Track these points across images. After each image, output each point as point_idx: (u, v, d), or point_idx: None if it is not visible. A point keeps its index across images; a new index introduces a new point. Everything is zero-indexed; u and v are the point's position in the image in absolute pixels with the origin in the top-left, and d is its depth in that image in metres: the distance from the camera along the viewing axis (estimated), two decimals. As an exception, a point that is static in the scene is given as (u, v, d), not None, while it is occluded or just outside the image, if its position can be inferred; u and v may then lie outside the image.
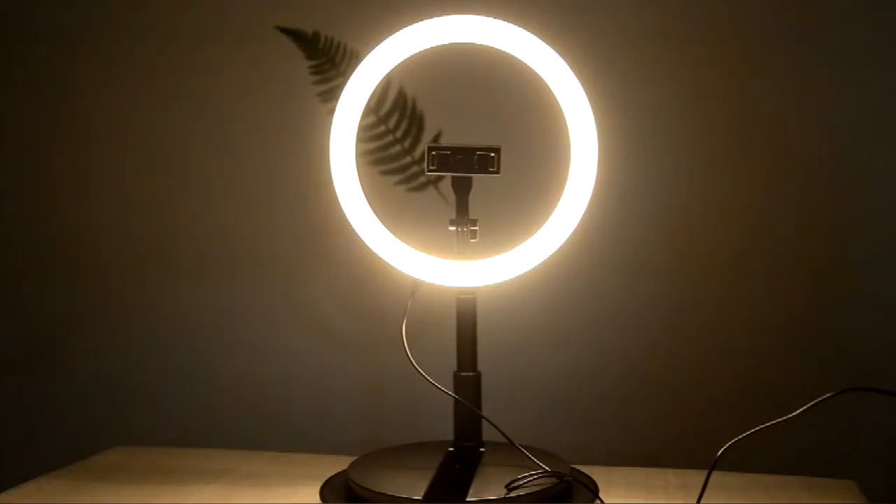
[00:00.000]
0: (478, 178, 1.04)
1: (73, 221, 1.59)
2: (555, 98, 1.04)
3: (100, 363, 1.59)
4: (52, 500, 1.09)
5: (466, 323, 1.07)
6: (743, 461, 1.30)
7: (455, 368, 1.08)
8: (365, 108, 1.07)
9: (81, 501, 1.08)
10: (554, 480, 1.01)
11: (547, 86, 1.04)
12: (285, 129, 1.48)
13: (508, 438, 1.05)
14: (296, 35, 1.35)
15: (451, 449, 1.08)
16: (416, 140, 1.36)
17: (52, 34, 1.58)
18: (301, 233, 1.50)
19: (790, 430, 1.41)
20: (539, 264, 1.05)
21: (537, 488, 0.99)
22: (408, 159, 1.36)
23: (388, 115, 1.36)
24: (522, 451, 1.04)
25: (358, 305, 1.49)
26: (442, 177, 1.34)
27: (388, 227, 1.06)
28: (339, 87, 1.08)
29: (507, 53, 1.04)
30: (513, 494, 0.98)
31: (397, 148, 1.36)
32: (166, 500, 1.08)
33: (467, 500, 0.97)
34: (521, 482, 0.99)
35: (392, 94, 1.35)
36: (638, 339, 1.43)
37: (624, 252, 1.42)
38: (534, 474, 1.00)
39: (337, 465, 1.13)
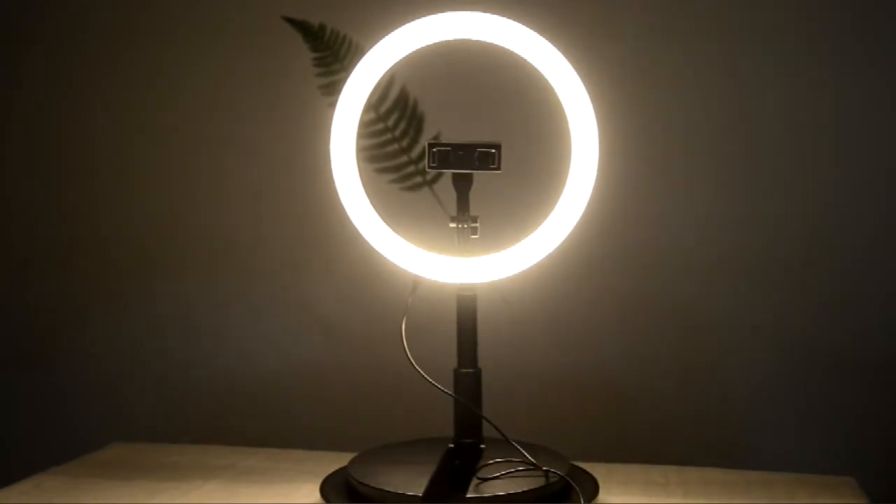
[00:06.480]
0: (478, 175, 1.04)
1: (76, 218, 1.59)
2: (556, 95, 1.04)
3: (100, 359, 1.59)
4: (52, 497, 1.09)
5: (467, 319, 1.07)
6: (744, 458, 1.30)
7: (455, 365, 1.08)
8: (365, 104, 1.06)
9: (82, 498, 1.08)
10: (543, 480, 1.01)
11: (548, 83, 1.04)
12: (286, 123, 1.48)
13: (504, 436, 1.05)
14: (302, 26, 1.35)
15: (452, 445, 1.08)
16: (414, 140, 1.36)
17: (56, 28, 1.58)
18: (301, 229, 1.50)
19: (791, 428, 1.41)
20: (540, 261, 1.05)
21: (535, 485, 0.99)
22: (404, 158, 1.36)
23: (388, 113, 1.36)
24: (518, 449, 1.04)
25: (358, 301, 1.49)
26: (437, 178, 1.34)
27: (388, 224, 1.06)
28: (342, 81, 1.08)
29: (509, 50, 1.04)
30: (513, 491, 0.98)
31: (394, 146, 1.36)
32: (167, 496, 1.08)
33: (467, 496, 0.98)
34: (493, 477, 1.00)
35: (394, 93, 1.35)
36: (638, 335, 1.43)
37: (624, 249, 1.42)
38: (513, 471, 1.01)
39: (337, 461, 1.13)
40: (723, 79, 1.40)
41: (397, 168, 1.36)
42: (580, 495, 1.01)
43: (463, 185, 1.04)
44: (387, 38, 1.05)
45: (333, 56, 1.34)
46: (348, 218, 1.06)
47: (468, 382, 1.07)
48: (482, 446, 1.08)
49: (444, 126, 1.33)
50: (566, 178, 1.04)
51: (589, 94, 1.03)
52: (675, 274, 1.42)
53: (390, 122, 1.36)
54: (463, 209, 1.05)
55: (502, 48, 1.04)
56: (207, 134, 1.54)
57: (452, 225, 1.05)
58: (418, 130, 1.36)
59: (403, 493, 0.98)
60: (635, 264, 1.42)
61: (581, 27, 1.32)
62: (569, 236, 1.04)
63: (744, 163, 1.40)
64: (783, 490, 1.08)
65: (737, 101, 1.40)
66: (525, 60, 1.04)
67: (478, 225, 1.05)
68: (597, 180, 1.04)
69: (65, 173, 1.60)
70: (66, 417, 1.60)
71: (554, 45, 1.03)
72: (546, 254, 1.05)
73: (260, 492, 1.09)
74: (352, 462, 1.08)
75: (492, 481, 1.00)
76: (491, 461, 1.04)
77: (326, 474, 1.11)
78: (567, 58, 1.03)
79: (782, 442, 1.39)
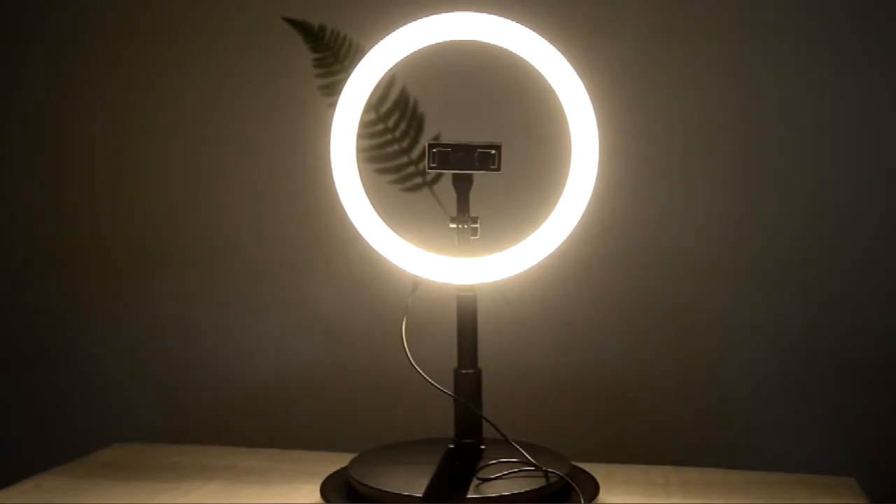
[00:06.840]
0: (478, 176, 1.04)
1: (76, 218, 1.59)
2: (556, 95, 1.04)
3: (100, 359, 1.59)
4: (53, 497, 1.09)
5: (467, 320, 1.07)
6: (744, 458, 1.30)
7: (455, 365, 1.08)
8: (366, 105, 1.06)
9: (82, 498, 1.08)
10: (543, 480, 1.01)
11: (548, 83, 1.04)
12: (286, 123, 1.48)
13: (504, 436, 1.05)
14: (302, 27, 1.35)
15: (452, 446, 1.08)
16: (414, 141, 1.36)
17: (56, 28, 1.58)
18: (301, 229, 1.50)
19: (791, 428, 1.41)
20: (540, 261, 1.05)
21: (536, 486, 0.99)
22: (404, 159, 1.36)
23: (389, 113, 1.35)
24: (518, 449, 1.04)
25: (358, 301, 1.49)
26: (437, 178, 1.34)
27: (388, 224, 1.06)
28: (342, 82, 1.08)
29: (509, 51, 1.04)
30: (513, 492, 0.98)
31: (394, 147, 1.36)
32: (167, 497, 1.08)
33: (467, 497, 0.98)
34: (493, 478, 1.00)
35: (394, 93, 1.35)
36: (638, 335, 1.43)
37: (624, 249, 1.42)
38: (513, 471, 1.01)
39: (338, 462, 1.13)
40: (723, 79, 1.40)
41: (397, 168, 1.36)
42: (580, 496, 1.01)
43: (463, 186, 1.04)
44: (387, 38, 1.05)
45: (333, 56, 1.34)
46: (348, 218, 1.06)
47: (468, 383, 1.07)
48: (482, 447, 1.08)
49: (444, 126, 1.33)
50: (566, 178, 1.04)
51: (589, 94, 1.03)
52: (675, 274, 1.42)
53: (390, 123, 1.36)
54: (463, 209, 1.05)
55: (502, 48, 1.04)
56: (207, 134, 1.54)
57: (452, 225, 1.05)
58: (418, 131, 1.36)
59: (403, 494, 0.98)
60: (635, 264, 1.42)
61: (581, 27, 1.32)
62: (569, 236, 1.04)
63: (744, 163, 1.40)
64: (783, 490, 1.08)
65: (737, 101, 1.40)
66: (525, 60, 1.04)
67: (478, 225, 1.05)
68: (597, 180, 1.04)
69: (65, 173, 1.60)
70: (66, 417, 1.60)
71: (554, 45, 1.03)
72: (546, 254, 1.05)
73: (260, 492, 1.09)
74: (352, 462, 1.08)
75: (492, 482, 1.00)
76: (491, 461, 1.04)
77: (327, 475, 1.11)
78: (567, 58, 1.03)
79: (782, 442, 1.39)
